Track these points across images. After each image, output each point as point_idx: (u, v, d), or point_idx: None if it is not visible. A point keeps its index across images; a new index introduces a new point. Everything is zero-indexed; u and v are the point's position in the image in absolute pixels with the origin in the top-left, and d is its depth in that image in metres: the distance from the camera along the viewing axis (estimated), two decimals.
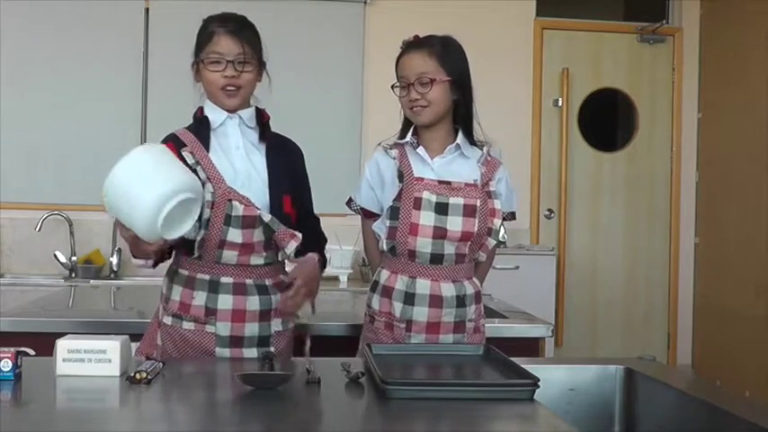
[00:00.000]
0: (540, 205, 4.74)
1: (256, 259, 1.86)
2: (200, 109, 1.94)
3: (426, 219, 1.92)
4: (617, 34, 4.87)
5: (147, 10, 4.33)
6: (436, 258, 1.93)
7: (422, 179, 1.95)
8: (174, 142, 1.87)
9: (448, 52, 1.96)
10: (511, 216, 2.09)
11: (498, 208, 1.98)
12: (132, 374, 1.49)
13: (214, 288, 1.85)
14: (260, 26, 1.94)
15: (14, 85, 4.21)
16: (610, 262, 4.82)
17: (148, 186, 1.56)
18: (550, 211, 4.76)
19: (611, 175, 4.84)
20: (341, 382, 1.54)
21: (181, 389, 1.55)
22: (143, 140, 4.27)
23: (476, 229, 1.93)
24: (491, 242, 1.98)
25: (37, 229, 4.04)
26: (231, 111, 1.91)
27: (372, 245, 2.08)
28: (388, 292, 1.97)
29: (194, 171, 1.81)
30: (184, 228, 1.65)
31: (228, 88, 1.87)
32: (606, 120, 5.15)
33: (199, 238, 1.80)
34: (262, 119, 1.96)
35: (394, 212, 1.95)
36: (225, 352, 1.84)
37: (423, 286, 1.94)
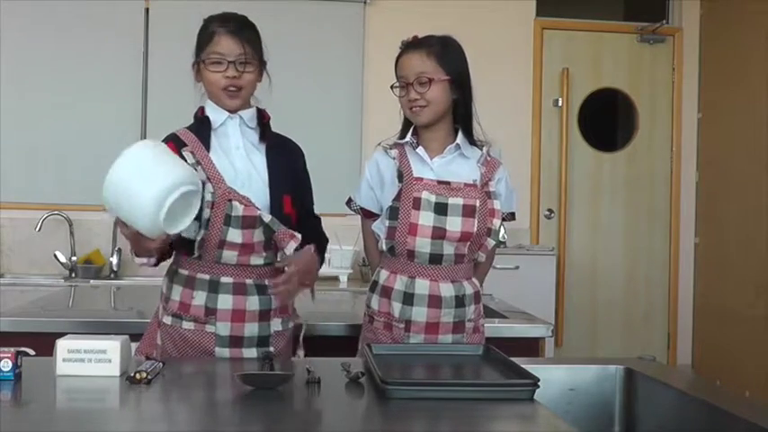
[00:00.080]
0: (540, 205, 4.74)
1: (256, 259, 1.86)
2: (201, 109, 1.94)
3: (425, 219, 1.92)
4: (617, 34, 4.87)
5: (147, 10, 4.33)
6: (435, 258, 1.93)
7: (421, 179, 1.95)
8: (174, 142, 1.87)
9: (447, 52, 1.96)
10: (511, 216, 2.09)
11: (498, 208, 1.97)
12: (132, 374, 1.49)
13: (214, 288, 1.85)
14: (260, 26, 1.94)
15: (14, 85, 4.21)
16: (610, 262, 4.82)
17: (149, 181, 1.56)
18: (550, 211, 4.76)
19: (611, 175, 4.84)
20: (341, 382, 1.54)
21: (181, 389, 1.55)
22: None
23: (475, 229, 1.93)
24: (490, 242, 1.98)
25: (37, 229, 4.04)
26: (232, 111, 1.91)
27: (372, 245, 2.08)
28: (387, 292, 1.97)
29: (195, 172, 1.81)
30: (186, 221, 1.65)
31: (230, 89, 1.87)
32: (606, 120, 5.15)
33: (199, 238, 1.80)
34: (262, 119, 1.96)
35: (393, 212, 1.95)
36: (224, 352, 1.84)
37: (422, 286, 1.94)
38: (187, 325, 1.85)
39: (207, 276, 1.85)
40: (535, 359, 2.17)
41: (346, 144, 4.41)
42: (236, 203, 1.80)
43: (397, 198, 1.95)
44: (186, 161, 1.81)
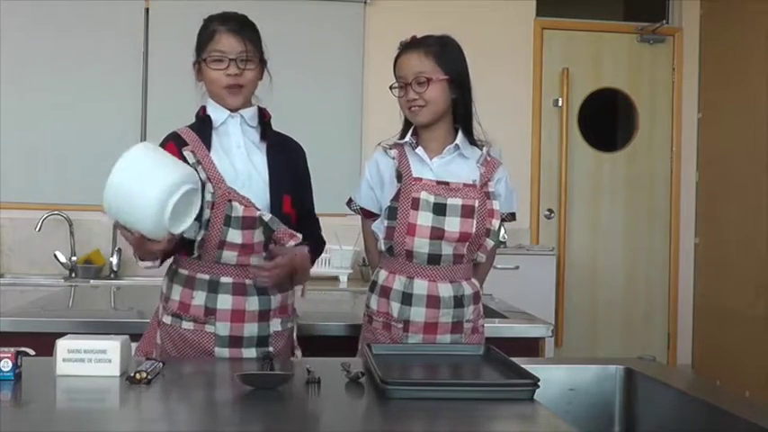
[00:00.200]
0: (540, 205, 4.74)
1: (256, 260, 1.86)
2: (203, 108, 1.94)
3: (424, 219, 1.91)
4: (617, 34, 4.87)
5: (147, 10, 4.33)
6: (434, 259, 1.93)
7: (420, 179, 1.95)
8: (175, 141, 1.87)
9: (445, 51, 1.96)
10: (511, 217, 2.09)
11: (497, 209, 1.97)
12: (132, 374, 1.49)
13: (214, 288, 1.85)
14: (260, 26, 1.95)
15: (14, 85, 4.21)
16: (610, 262, 4.82)
17: (151, 181, 1.56)
18: (550, 211, 4.76)
19: (611, 175, 4.84)
20: (341, 382, 1.54)
21: (181, 389, 1.55)
22: (143, 140, 4.27)
23: (474, 229, 1.93)
24: (489, 243, 1.98)
25: (37, 229, 4.04)
26: (234, 109, 1.91)
27: (372, 245, 2.08)
28: (385, 292, 1.97)
29: (195, 170, 1.81)
30: (188, 221, 1.66)
31: (231, 87, 1.87)
32: (606, 120, 5.15)
33: (199, 239, 1.80)
34: (263, 118, 1.96)
35: (392, 212, 1.95)
36: (224, 352, 1.84)
37: (420, 287, 1.94)
38: (187, 325, 1.85)
39: (207, 276, 1.85)
40: (535, 359, 2.16)
41: (346, 144, 4.41)
42: (236, 204, 1.80)
43: (396, 198, 1.95)
44: (187, 161, 1.82)
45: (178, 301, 1.87)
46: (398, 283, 1.95)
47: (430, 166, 1.98)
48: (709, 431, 1.46)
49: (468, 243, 1.93)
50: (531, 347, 2.39)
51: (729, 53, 4.56)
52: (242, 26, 1.88)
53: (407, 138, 2.01)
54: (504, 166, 2.06)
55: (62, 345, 1.52)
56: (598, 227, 4.82)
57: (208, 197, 1.79)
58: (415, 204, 1.92)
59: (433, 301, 1.93)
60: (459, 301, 1.95)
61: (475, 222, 1.93)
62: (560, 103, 4.74)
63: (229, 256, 1.83)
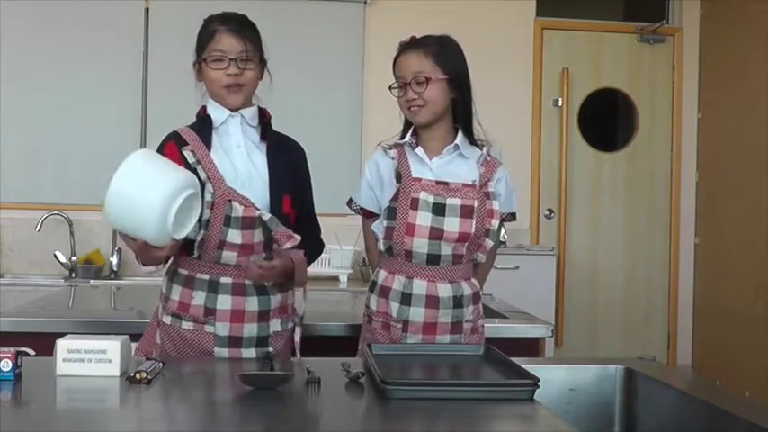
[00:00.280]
0: (540, 205, 4.74)
1: (255, 257, 1.86)
2: (203, 108, 1.94)
3: (423, 219, 1.91)
4: (617, 34, 4.87)
5: (147, 10, 4.33)
6: (433, 259, 1.93)
7: (419, 180, 1.95)
8: (175, 140, 1.88)
9: (444, 51, 1.96)
10: (511, 217, 2.08)
11: (496, 209, 1.97)
12: (132, 374, 1.49)
13: (213, 288, 1.85)
14: (260, 26, 1.95)
15: (14, 85, 4.21)
16: (610, 262, 4.82)
17: (152, 188, 1.56)
18: (550, 211, 4.76)
19: (611, 175, 4.84)
20: (341, 382, 1.54)
21: (181, 389, 1.55)
22: (143, 140, 4.28)
23: (473, 230, 1.93)
24: (489, 243, 1.97)
25: (37, 229, 4.04)
26: (234, 109, 1.91)
27: (373, 245, 2.08)
28: (385, 292, 1.97)
29: (194, 170, 1.81)
30: (190, 225, 1.66)
31: (231, 86, 1.87)
32: (606, 120, 5.15)
33: (198, 239, 1.80)
34: (263, 118, 1.96)
35: (391, 213, 1.95)
36: (223, 352, 1.84)
37: (419, 287, 1.94)
38: (186, 325, 1.85)
39: (206, 276, 1.85)
40: (535, 359, 2.16)
41: (346, 144, 4.41)
42: (235, 204, 1.80)
43: (395, 198, 1.95)
44: (187, 160, 1.82)
45: (178, 301, 1.87)
46: (398, 283, 1.95)
47: (429, 167, 1.98)
48: (709, 431, 1.46)
49: (467, 243, 1.93)
50: (531, 347, 2.39)
51: (729, 53, 4.56)
52: (242, 26, 1.88)
53: (407, 138, 2.01)
54: (504, 166, 2.06)
55: (62, 345, 1.52)
56: (598, 227, 4.82)
57: (208, 197, 1.79)
58: (415, 204, 1.92)
59: (432, 302, 1.93)
60: (458, 302, 1.95)
61: (474, 223, 1.93)
62: (560, 103, 4.74)
63: (229, 256, 1.83)
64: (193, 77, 1.95)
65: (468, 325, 1.98)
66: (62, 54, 4.26)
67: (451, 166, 1.99)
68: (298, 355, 1.89)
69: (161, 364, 1.61)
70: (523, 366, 1.55)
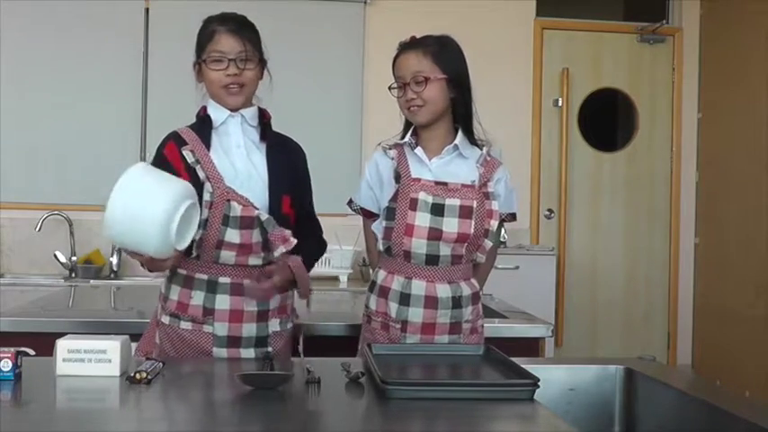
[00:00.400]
0: (540, 205, 4.74)
1: (255, 260, 1.86)
2: (204, 108, 1.94)
3: (422, 220, 1.91)
4: (617, 34, 4.87)
5: (147, 10, 4.33)
6: (432, 259, 1.93)
7: (419, 180, 1.95)
8: (175, 140, 1.88)
9: (443, 51, 1.96)
10: (511, 217, 2.08)
11: (496, 209, 1.96)
12: (132, 374, 1.49)
13: (212, 288, 1.85)
14: (260, 26, 1.95)
15: (14, 85, 4.21)
16: (610, 262, 4.82)
17: (152, 202, 1.56)
18: (550, 211, 4.76)
19: (611, 175, 4.84)
20: (341, 382, 1.54)
21: (181, 389, 1.55)
22: (143, 140, 4.28)
23: (472, 230, 1.92)
24: (488, 243, 1.97)
25: (37, 229, 4.04)
26: (234, 109, 1.91)
27: (373, 245, 2.08)
28: (384, 292, 1.97)
29: (194, 170, 1.82)
30: (190, 235, 1.66)
31: (231, 87, 1.87)
32: (606, 120, 5.15)
33: (197, 238, 1.80)
34: (263, 118, 1.96)
35: (390, 213, 1.94)
36: (222, 352, 1.84)
37: (418, 287, 1.93)
38: (185, 325, 1.85)
39: (205, 276, 1.85)
40: (535, 359, 2.16)
41: (346, 144, 4.42)
42: (234, 204, 1.80)
43: (394, 198, 1.95)
44: (186, 160, 1.82)
45: (176, 301, 1.87)
46: (397, 284, 1.95)
47: (429, 167, 1.97)
48: (709, 431, 1.46)
49: (466, 244, 1.93)
50: (531, 347, 2.39)
51: (729, 53, 4.56)
52: (241, 26, 1.88)
53: (407, 138, 2.01)
54: (503, 167, 2.05)
55: (62, 345, 1.52)
56: (598, 227, 4.82)
57: (206, 197, 1.79)
58: (413, 205, 1.92)
59: (431, 302, 1.93)
60: (457, 302, 1.95)
61: (473, 223, 1.92)
62: (560, 103, 4.74)
63: (227, 255, 1.83)
64: (193, 78, 1.95)
65: (468, 325, 1.98)
66: (62, 54, 4.26)
67: (451, 166, 1.99)
68: (301, 355, 1.90)
69: (161, 364, 1.61)
70: (523, 366, 1.55)
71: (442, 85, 1.95)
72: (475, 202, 1.93)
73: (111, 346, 1.53)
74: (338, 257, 3.84)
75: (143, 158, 4.20)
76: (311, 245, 1.99)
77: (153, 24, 4.33)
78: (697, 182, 4.83)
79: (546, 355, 3.46)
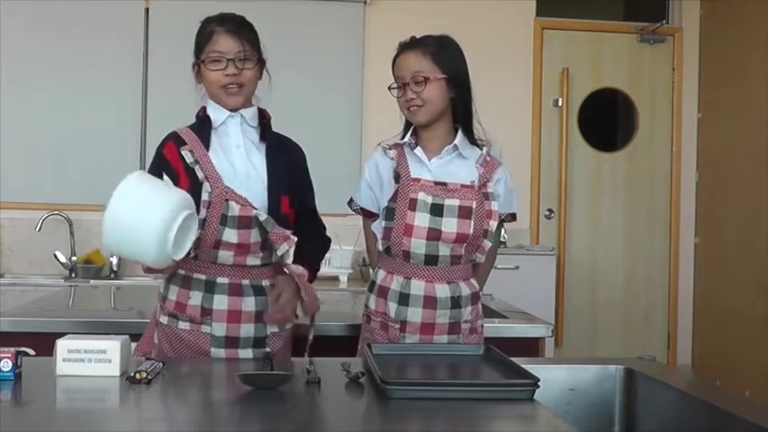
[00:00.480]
0: (540, 205, 4.74)
1: (253, 260, 1.86)
2: (203, 108, 1.94)
3: (421, 220, 1.91)
4: (617, 34, 4.87)
5: (147, 10, 4.34)
6: (431, 260, 1.93)
7: (418, 180, 1.95)
8: (174, 141, 1.88)
9: (443, 51, 1.96)
10: (511, 217, 2.08)
11: (495, 210, 1.96)
12: (132, 374, 1.49)
13: (210, 288, 1.85)
14: (260, 26, 1.95)
15: (14, 85, 4.21)
16: (610, 262, 4.82)
17: (150, 212, 1.56)
18: (550, 211, 4.76)
19: (611, 175, 4.84)
20: (341, 382, 1.54)
21: (181, 389, 1.55)
22: (143, 140, 4.28)
23: (471, 230, 1.92)
24: (487, 244, 1.97)
25: (37, 229, 4.04)
26: (233, 109, 1.91)
27: (373, 245, 2.08)
28: (383, 292, 1.97)
29: (192, 170, 1.82)
30: (188, 245, 1.66)
31: (230, 87, 1.87)
32: (606, 120, 5.15)
33: (195, 238, 1.80)
34: (263, 119, 1.96)
35: (389, 213, 1.94)
36: (220, 352, 1.84)
37: (417, 287, 1.93)
38: (183, 325, 1.85)
39: (203, 276, 1.85)
40: (535, 359, 2.16)
41: (346, 144, 4.42)
42: (232, 203, 1.80)
43: (394, 199, 1.95)
44: (185, 160, 1.82)
45: (175, 301, 1.87)
46: (396, 284, 1.95)
47: (428, 167, 1.97)
48: (709, 431, 1.46)
49: (465, 244, 1.93)
50: (531, 347, 2.39)
51: (729, 53, 4.56)
52: (239, 26, 1.88)
53: (407, 138, 2.01)
54: (503, 167, 2.05)
55: (62, 345, 1.52)
56: (598, 227, 4.82)
57: (204, 196, 1.79)
58: (413, 205, 1.92)
59: (430, 302, 1.93)
60: (456, 302, 1.95)
61: (472, 223, 1.92)
62: (560, 103, 4.74)
63: (225, 255, 1.83)
64: (193, 79, 1.95)
65: (467, 325, 1.98)
66: (62, 54, 4.26)
67: (450, 166, 1.99)
68: (306, 356, 1.90)
69: (161, 364, 1.61)
70: (523, 366, 1.55)
71: (442, 85, 1.94)
72: (474, 203, 1.93)
73: (111, 346, 1.53)
74: (338, 257, 3.84)
75: (143, 158, 4.20)
76: (315, 246, 2.00)
77: (153, 24, 4.33)
78: (697, 182, 4.83)
79: (546, 355, 3.46)
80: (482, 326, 2.06)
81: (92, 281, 3.97)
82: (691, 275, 4.84)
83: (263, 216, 1.82)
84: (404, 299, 1.93)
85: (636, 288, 4.84)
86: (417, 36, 1.99)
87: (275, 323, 1.87)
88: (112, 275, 4.12)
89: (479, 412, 1.39)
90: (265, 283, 1.88)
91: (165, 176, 1.81)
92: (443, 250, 1.92)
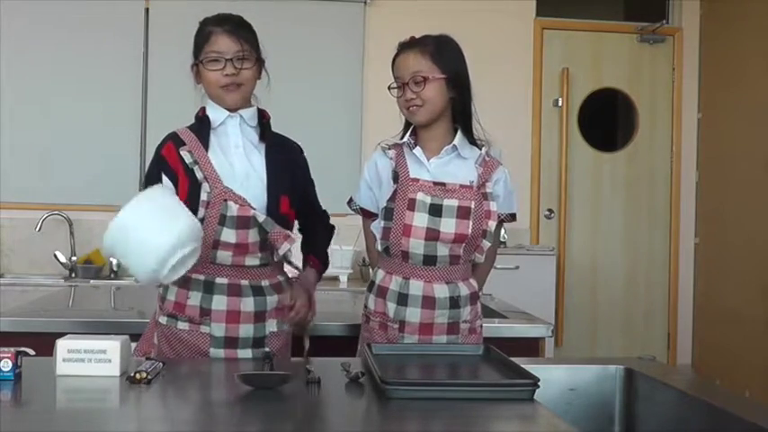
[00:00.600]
0: (540, 205, 4.74)
1: (251, 260, 1.86)
2: (203, 108, 1.94)
3: (420, 220, 1.91)
4: (617, 34, 4.87)
5: (147, 10, 4.34)
6: (429, 260, 1.93)
7: (417, 180, 1.94)
8: (173, 141, 1.88)
9: (442, 50, 1.96)
10: (510, 217, 2.07)
11: (494, 210, 1.96)
12: (132, 374, 1.49)
13: (209, 288, 1.85)
14: (259, 26, 1.95)
15: (14, 84, 4.21)
16: (610, 262, 4.82)
17: (159, 234, 1.58)
18: (550, 211, 4.76)
19: (611, 175, 4.84)
20: (341, 382, 1.54)
21: (180, 389, 1.55)
22: (143, 140, 4.28)
23: (470, 231, 1.92)
24: (486, 244, 1.97)
25: (37, 229, 4.04)
26: (232, 109, 1.91)
27: (372, 245, 2.08)
28: (382, 292, 1.97)
29: (191, 170, 1.82)
30: (181, 272, 1.68)
31: (229, 86, 1.87)
32: (606, 120, 5.15)
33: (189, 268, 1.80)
34: (262, 119, 1.96)
35: (388, 213, 1.94)
36: (219, 353, 1.84)
37: (416, 287, 1.93)
38: (182, 325, 1.85)
39: (202, 277, 1.85)
40: (535, 359, 2.16)
41: (346, 144, 4.42)
42: (231, 203, 1.80)
43: (393, 199, 1.94)
44: (184, 160, 1.82)
45: (173, 302, 1.87)
46: (394, 284, 1.95)
47: (427, 167, 1.97)
48: (709, 431, 1.46)
49: (464, 244, 1.93)
50: (531, 347, 2.39)
51: (729, 53, 4.56)
52: (237, 26, 1.89)
53: (406, 138, 2.01)
54: (503, 167, 2.05)
55: (62, 345, 1.52)
56: (598, 227, 4.82)
57: (203, 196, 1.79)
58: (411, 205, 1.92)
59: (429, 302, 1.93)
60: (455, 302, 1.95)
61: (471, 224, 1.92)
62: (560, 103, 4.74)
63: (224, 256, 1.83)
64: (193, 79, 1.95)
65: (466, 326, 1.98)
66: (62, 54, 4.26)
67: (449, 166, 1.98)
68: (306, 357, 1.90)
69: (161, 364, 1.61)
70: (523, 366, 1.55)
71: (441, 85, 1.94)
72: (473, 203, 1.93)
73: (111, 346, 1.53)
74: (338, 257, 3.84)
75: (143, 158, 4.20)
76: (323, 237, 2.06)
77: (153, 24, 4.33)
78: (697, 182, 4.83)
79: (546, 355, 3.46)
80: (481, 326, 2.06)
81: (92, 281, 3.97)
82: (691, 275, 4.84)
83: (261, 216, 1.82)
84: (402, 299, 1.93)
85: (636, 288, 4.84)
86: (417, 36, 1.99)
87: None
88: (112, 275, 4.12)
89: (479, 412, 1.39)
90: (264, 283, 1.88)
91: (179, 200, 1.79)
92: (442, 250, 1.92)
